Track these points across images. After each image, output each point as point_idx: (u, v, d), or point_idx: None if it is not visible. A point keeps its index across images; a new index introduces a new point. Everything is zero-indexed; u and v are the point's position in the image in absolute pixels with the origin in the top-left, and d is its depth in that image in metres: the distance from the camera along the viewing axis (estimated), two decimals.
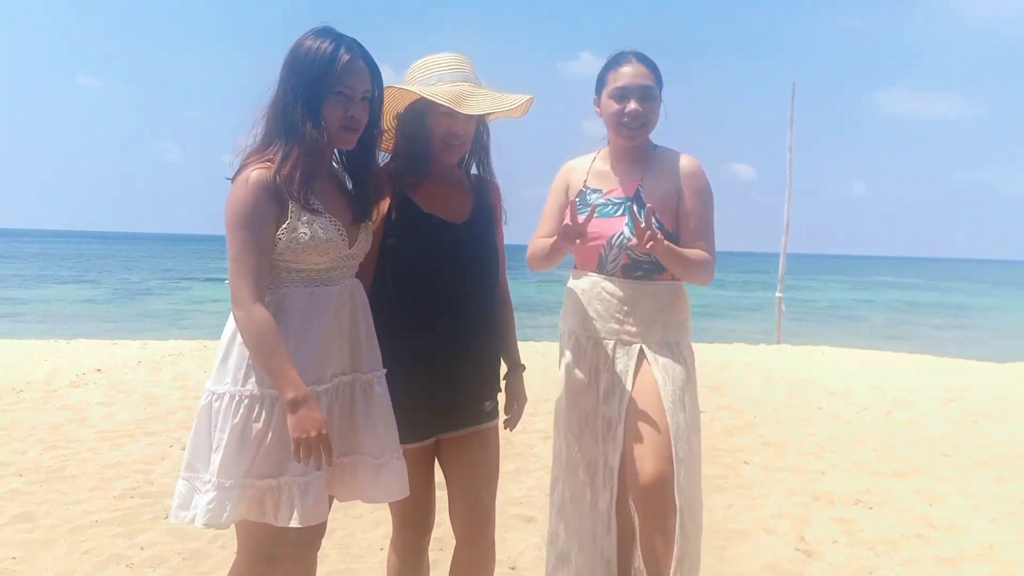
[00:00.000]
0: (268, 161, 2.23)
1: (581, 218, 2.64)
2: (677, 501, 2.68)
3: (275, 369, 2.14)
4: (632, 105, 2.81)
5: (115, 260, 71.23)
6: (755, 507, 4.86)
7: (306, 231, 2.23)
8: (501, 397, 2.79)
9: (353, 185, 2.44)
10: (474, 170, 2.76)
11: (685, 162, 2.86)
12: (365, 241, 2.42)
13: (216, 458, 2.19)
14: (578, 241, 2.63)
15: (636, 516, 2.87)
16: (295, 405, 2.12)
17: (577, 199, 2.95)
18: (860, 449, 6.34)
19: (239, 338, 2.23)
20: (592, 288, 2.89)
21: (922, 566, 3.99)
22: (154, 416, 6.83)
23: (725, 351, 12.48)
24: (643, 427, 2.75)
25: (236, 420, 2.20)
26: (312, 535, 2.33)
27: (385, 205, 2.56)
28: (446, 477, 2.71)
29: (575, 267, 3.01)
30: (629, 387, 2.80)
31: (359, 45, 2.30)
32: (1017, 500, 5.06)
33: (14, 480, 5.00)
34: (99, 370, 8.94)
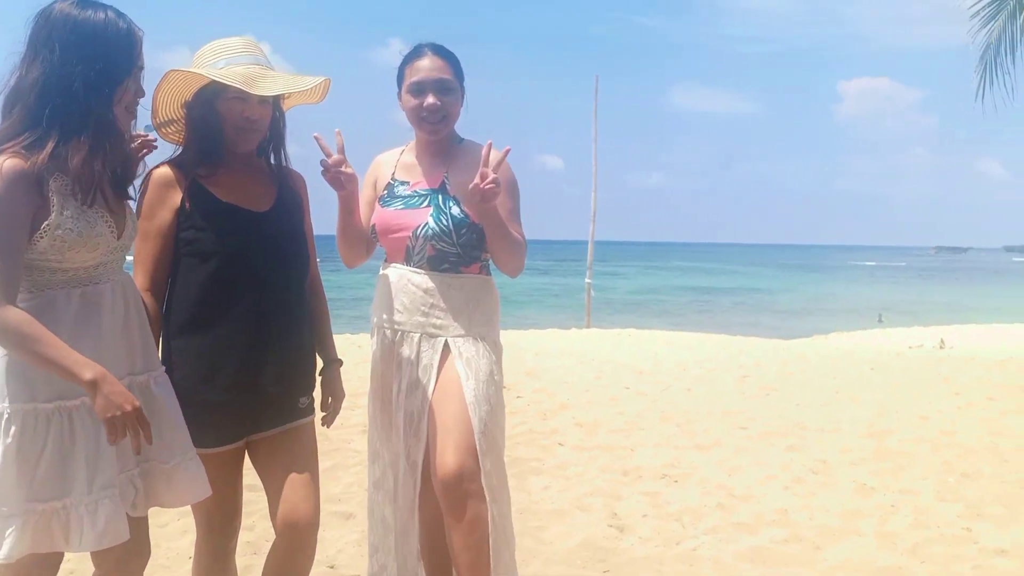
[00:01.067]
0: (25, 149, 1.98)
1: (335, 155, 2.65)
2: (486, 494, 2.70)
3: (57, 358, 1.93)
4: (430, 99, 2.77)
5: None
6: (570, 486, 5.00)
7: (72, 227, 2.03)
8: (317, 393, 2.70)
9: (109, 162, 2.17)
10: (272, 160, 2.63)
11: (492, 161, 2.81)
12: (132, 228, 2.24)
13: None
14: (343, 180, 2.66)
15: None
16: (95, 385, 1.94)
17: (385, 191, 2.92)
18: (665, 425, 6.67)
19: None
20: (399, 280, 2.85)
21: (723, 533, 4.25)
22: None
23: (539, 337, 12.77)
24: (445, 421, 2.73)
25: (9, 440, 1.99)
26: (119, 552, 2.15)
27: (177, 198, 2.41)
28: (263, 479, 2.58)
29: (385, 259, 2.96)
30: (433, 381, 2.78)
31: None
32: (805, 468, 5.48)
33: None
34: None
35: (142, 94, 2.19)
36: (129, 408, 1.96)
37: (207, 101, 2.41)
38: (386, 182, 2.95)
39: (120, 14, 2.09)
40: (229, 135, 2.43)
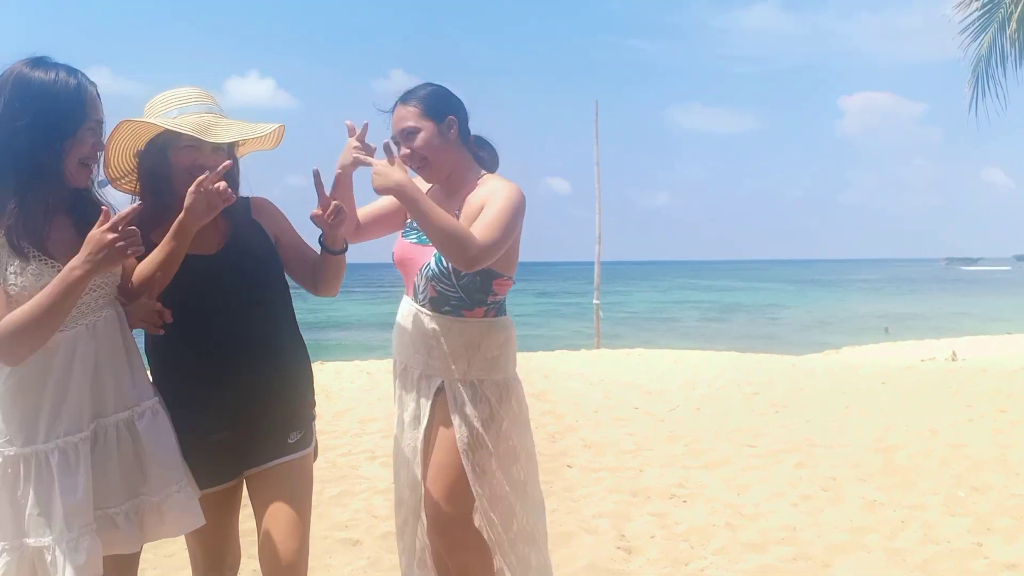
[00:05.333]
0: None
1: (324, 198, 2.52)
2: (489, 537, 2.75)
3: (50, 302, 2.00)
4: (403, 150, 2.75)
5: None
6: (578, 508, 5.00)
7: (15, 282, 2.06)
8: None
9: (86, 220, 2.18)
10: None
11: (497, 186, 2.76)
12: (105, 275, 2.20)
13: None
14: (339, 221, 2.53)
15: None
16: (85, 273, 2.02)
17: (409, 219, 2.90)
18: (673, 445, 6.66)
19: None
20: (407, 314, 2.85)
21: (731, 553, 4.23)
22: None
23: (548, 358, 12.76)
24: (436, 470, 2.75)
25: None
26: None
27: None
28: (255, 513, 2.57)
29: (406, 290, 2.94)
30: (425, 421, 2.79)
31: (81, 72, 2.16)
32: (815, 485, 5.46)
33: None
34: None
35: (101, 148, 2.21)
36: (109, 239, 2.01)
37: (160, 150, 2.39)
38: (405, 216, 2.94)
39: (72, 71, 2.13)
40: (180, 182, 2.38)
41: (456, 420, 2.74)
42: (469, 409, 2.75)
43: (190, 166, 2.35)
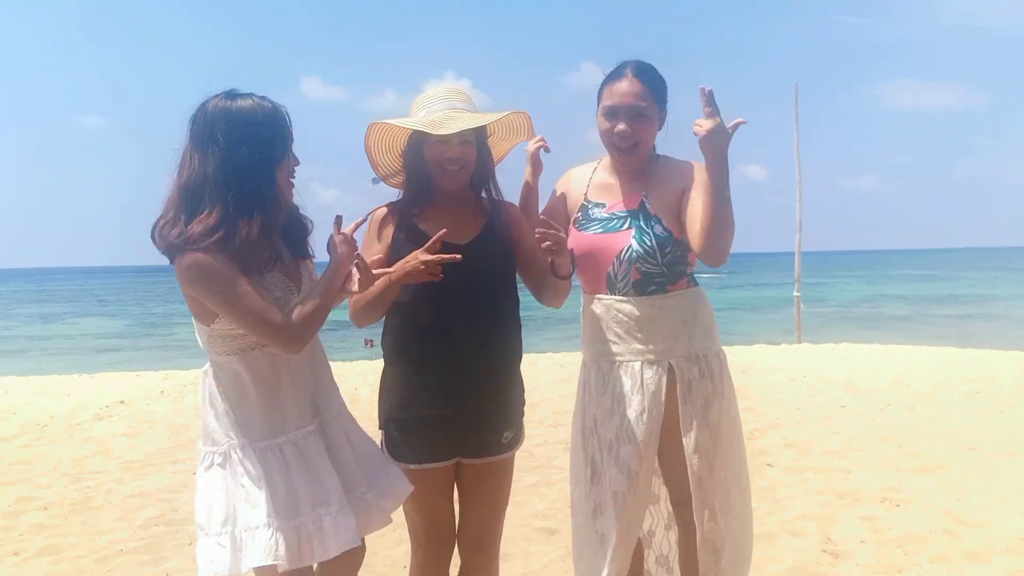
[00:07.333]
0: (216, 246, 2.14)
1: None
2: (702, 515, 2.72)
3: (323, 290, 2.25)
4: (620, 126, 2.68)
5: (135, 293, 71.84)
6: (780, 509, 4.82)
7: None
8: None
9: (280, 231, 2.35)
10: (483, 194, 2.72)
11: (686, 165, 2.77)
12: (309, 283, 2.38)
13: (244, 507, 2.22)
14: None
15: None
16: (329, 277, 2.28)
17: (579, 213, 2.85)
18: (885, 446, 6.28)
19: (218, 398, 2.31)
20: (607, 312, 2.77)
21: (951, 562, 3.95)
22: (177, 445, 6.87)
23: (746, 353, 12.40)
24: (667, 449, 2.76)
25: (255, 470, 2.24)
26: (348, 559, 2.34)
27: (390, 234, 2.62)
28: (460, 501, 2.74)
29: (584, 291, 2.88)
30: (662, 407, 2.71)
31: None
32: None
33: (39, 514, 5.04)
34: (122, 402, 9.00)
35: (298, 162, 2.33)
36: (349, 259, 2.31)
37: (416, 147, 2.60)
38: (579, 203, 2.87)
39: (263, 97, 2.25)
40: (434, 174, 2.59)
41: (682, 399, 2.71)
42: (696, 386, 2.72)
43: (440, 159, 2.56)
